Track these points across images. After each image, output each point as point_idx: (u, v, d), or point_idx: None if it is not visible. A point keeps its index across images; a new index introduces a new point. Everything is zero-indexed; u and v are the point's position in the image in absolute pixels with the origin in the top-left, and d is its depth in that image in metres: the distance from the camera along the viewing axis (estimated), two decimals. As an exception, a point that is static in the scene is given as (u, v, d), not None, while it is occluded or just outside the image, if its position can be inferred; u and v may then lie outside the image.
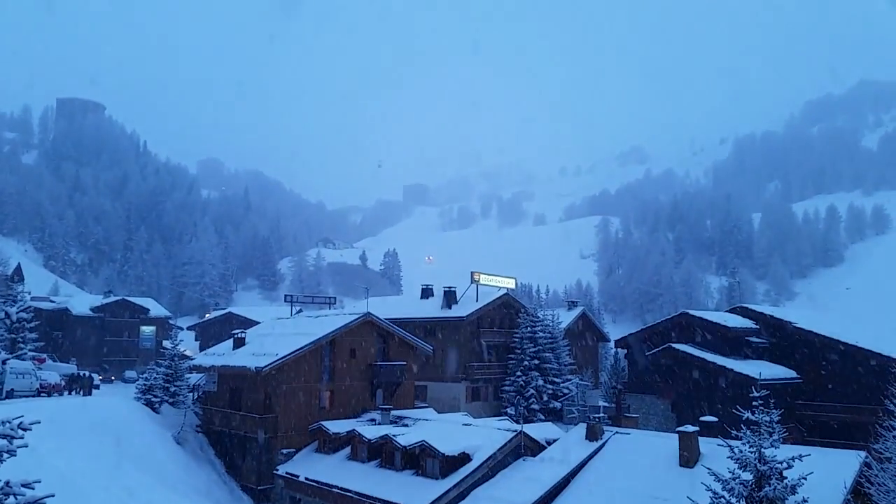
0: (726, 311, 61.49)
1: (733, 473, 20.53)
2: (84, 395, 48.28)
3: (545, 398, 56.81)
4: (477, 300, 60.02)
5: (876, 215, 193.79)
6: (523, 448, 34.33)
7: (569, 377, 59.76)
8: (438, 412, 47.25)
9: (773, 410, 21.05)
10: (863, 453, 25.44)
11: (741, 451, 20.59)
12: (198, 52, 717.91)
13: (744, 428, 20.90)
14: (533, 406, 55.80)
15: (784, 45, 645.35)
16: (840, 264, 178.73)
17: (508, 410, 55.08)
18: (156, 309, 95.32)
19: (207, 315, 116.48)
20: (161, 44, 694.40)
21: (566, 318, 71.23)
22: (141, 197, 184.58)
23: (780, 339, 52.61)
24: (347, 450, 38.73)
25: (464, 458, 33.01)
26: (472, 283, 60.26)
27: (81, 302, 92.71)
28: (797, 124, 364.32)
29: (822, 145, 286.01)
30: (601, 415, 35.45)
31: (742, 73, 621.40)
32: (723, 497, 20.48)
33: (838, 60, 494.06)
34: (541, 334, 59.27)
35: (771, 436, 20.48)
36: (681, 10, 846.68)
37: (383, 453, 36.33)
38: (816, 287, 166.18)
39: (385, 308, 56.21)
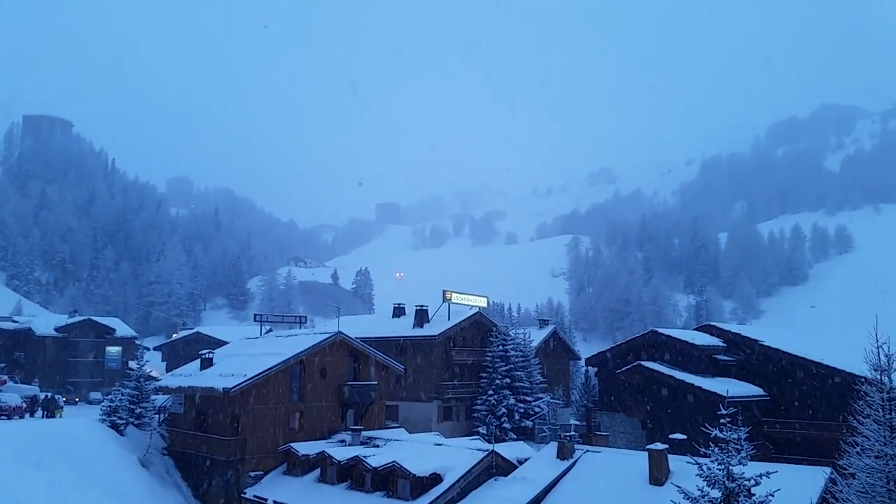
0: (694, 329, 62.12)
1: (702, 491, 20.62)
2: (47, 417, 47.14)
3: (517, 417, 56.78)
4: (449, 319, 59.98)
5: (839, 235, 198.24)
6: (495, 468, 34.21)
7: (540, 396, 59.85)
8: (410, 432, 46.94)
9: (741, 427, 21.24)
10: (828, 469, 25.78)
11: (710, 469, 20.71)
12: (168, 71, 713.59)
13: (712, 445, 21.07)
14: (505, 425, 55.70)
15: (749, 69, 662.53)
16: (805, 283, 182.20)
17: (480, 430, 54.90)
18: (122, 329, 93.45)
19: (175, 335, 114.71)
20: (131, 62, 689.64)
21: (537, 336, 71.48)
22: (108, 216, 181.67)
23: (747, 357, 53.28)
24: (317, 472, 38.22)
25: (435, 479, 32.78)
26: (443, 301, 60.26)
27: (45, 322, 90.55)
28: (762, 146, 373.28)
29: (787, 166, 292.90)
30: (572, 433, 35.62)
31: (708, 96, 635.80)
32: (692, 514, 20.58)
33: (802, 85, 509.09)
34: (512, 353, 59.37)
35: (739, 453, 20.64)
36: (648, 36, 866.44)
37: (353, 475, 35.94)
38: (782, 305, 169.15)
39: (356, 327, 55.91)
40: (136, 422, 45.17)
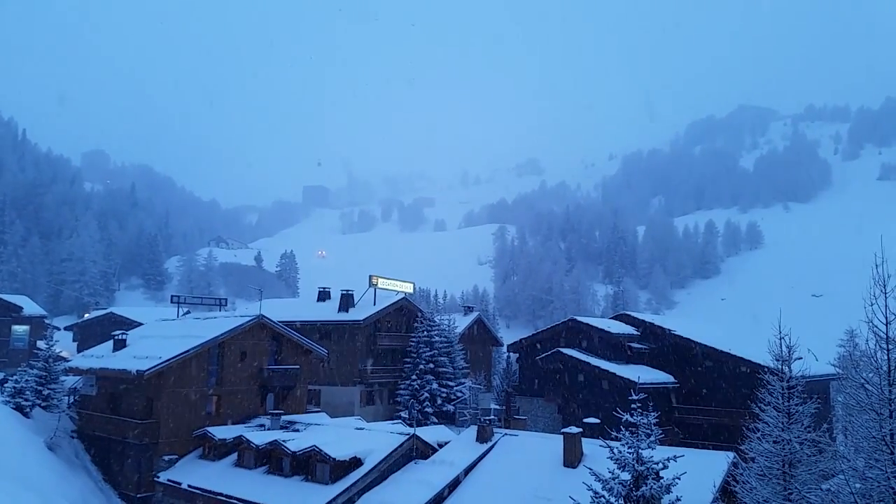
0: (611, 318, 64.05)
1: (613, 473, 21.41)
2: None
3: (439, 401, 57.29)
4: (374, 304, 59.84)
5: (750, 231, 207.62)
6: (415, 451, 34.53)
7: (463, 381, 60.56)
8: (332, 416, 46.69)
9: (651, 413, 22.15)
10: (731, 454, 27.17)
11: (620, 452, 21.54)
12: (84, 37, 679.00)
13: (623, 429, 21.88)
14: (427, 409, 56.13)
15: (670, 69, 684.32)
16: (716, 276, 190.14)
17: (402, 414, 55.15)
18: (30, 307, 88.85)
19: (87, 315, 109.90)
20: (45, 27, 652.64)
21: (462, 322, 72.22)
22: (17, 188, 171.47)
23: (659, 346, 55.34)
24: (234, 456, 37.63)
25: (355, 463, 32.82)
26: (369, 286, 60.05)
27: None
28: (681, 144, 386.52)
29: (703, 164, 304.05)
30: (492, 417, 36.20)
31: (629, 94, 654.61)
32: (603, 496, 21.33)
33: (720, 86, 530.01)
34: (437, 339, 59.75)
35: (648, 437, 21.52)
36: (575, 35, 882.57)
37: (272, 459, 35.55)
38: (694, 297, 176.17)
39: (280, 310, 55.14)
40: (44, 404, 43.27)
